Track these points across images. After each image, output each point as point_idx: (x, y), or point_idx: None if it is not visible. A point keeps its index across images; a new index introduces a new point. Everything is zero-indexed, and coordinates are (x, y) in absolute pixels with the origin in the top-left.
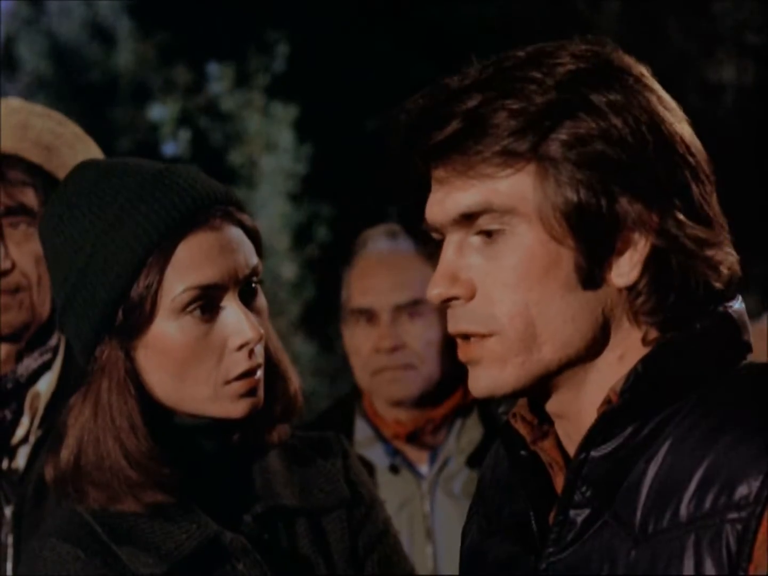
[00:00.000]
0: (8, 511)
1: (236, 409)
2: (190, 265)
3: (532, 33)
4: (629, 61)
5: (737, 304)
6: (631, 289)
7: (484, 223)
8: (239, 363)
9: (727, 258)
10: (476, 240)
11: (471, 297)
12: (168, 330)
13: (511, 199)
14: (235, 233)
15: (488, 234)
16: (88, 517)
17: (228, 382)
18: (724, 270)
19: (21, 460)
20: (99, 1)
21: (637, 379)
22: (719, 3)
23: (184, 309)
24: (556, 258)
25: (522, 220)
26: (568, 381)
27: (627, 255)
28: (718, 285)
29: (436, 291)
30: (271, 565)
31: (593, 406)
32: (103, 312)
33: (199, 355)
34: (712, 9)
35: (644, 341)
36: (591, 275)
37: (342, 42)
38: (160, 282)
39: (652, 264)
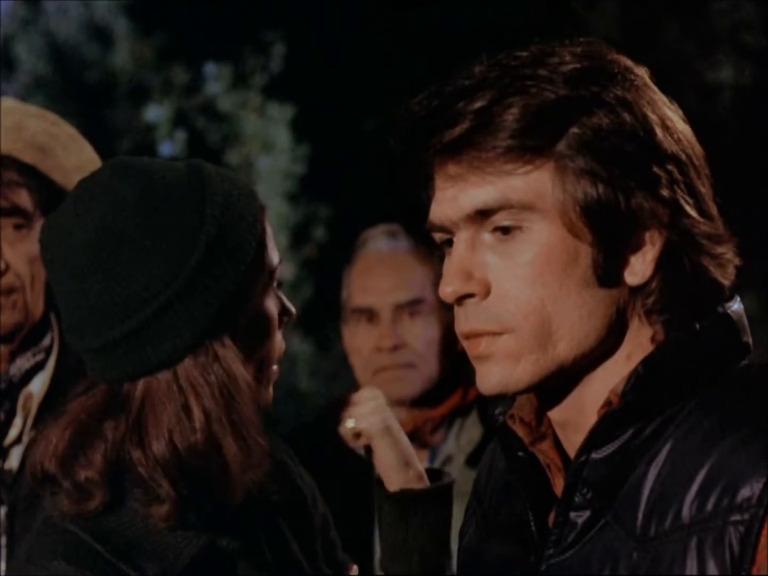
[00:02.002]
0: (2, 512)
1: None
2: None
3: (530, 33)
4: (629, 62)
5: (736, 305)
6: (642, 288)
7: (499, 219)
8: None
9: (734, 257)
10: (489, 237)
11: (486, 295)
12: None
13: (528, 195)
14: None
15: (504, 231)
16: (84, 535)
17: None
18: (731, 269)
19: (14, 460)
20: (96, 2)
21: (638, 381)
22: (717, 3)
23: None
24: (574, 254)
25: (539, 216)
26: (574, 379)
27: (641, 252)
28: (725, 282)
29: (450, 288)
30: (268, 566)
31: (595, 407)
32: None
33: None
34: (709, 9)
35: (653, 340)
36: (607, 272)
37: (339, 42)
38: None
39: (663, 263)
